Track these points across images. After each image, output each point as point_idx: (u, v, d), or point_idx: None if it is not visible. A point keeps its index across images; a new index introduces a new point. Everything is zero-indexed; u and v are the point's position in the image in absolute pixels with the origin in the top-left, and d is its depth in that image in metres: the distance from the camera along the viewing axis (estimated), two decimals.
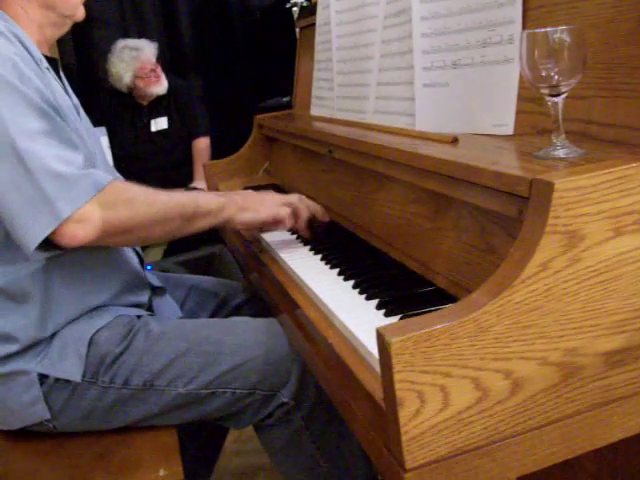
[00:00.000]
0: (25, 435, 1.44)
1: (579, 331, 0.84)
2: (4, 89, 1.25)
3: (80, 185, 1.26)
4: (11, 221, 1.27)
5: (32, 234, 1.25)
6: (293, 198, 1.53)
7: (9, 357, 1.38)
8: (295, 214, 1.51)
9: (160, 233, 1.41)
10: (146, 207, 1.34)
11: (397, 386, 0.77)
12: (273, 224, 1.51)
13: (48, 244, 1.27)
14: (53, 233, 1.25)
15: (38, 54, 1.41)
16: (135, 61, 3.53)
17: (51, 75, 1.43)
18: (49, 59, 1.48)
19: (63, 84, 1.53)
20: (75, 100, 1.57)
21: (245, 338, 1.43)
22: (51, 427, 1.42)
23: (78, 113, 1.53)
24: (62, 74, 1.58)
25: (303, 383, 1.41)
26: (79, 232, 1.27)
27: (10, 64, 1.27)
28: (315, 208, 1.55)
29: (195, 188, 1.81)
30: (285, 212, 1.48)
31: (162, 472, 1.33)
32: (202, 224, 1.42)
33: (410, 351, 0.77)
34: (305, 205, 1.53)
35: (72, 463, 1.38)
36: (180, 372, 1.39)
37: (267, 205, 1.48)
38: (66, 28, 1.53)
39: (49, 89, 1.35)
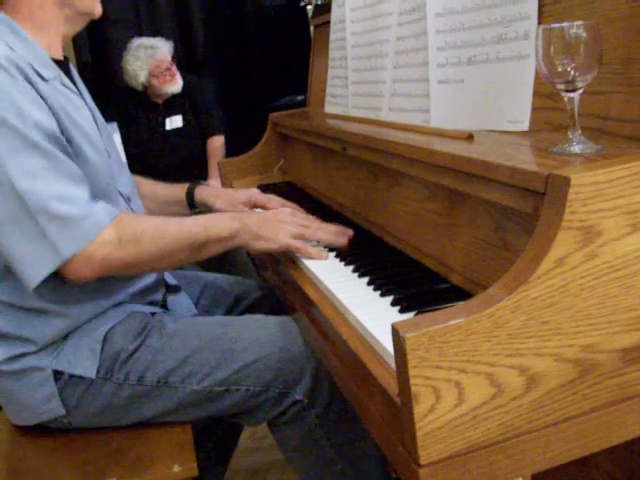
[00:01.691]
0: (40, 430, 1.45)
1: (595, 327, 0.84)
2: (1, 129, 1.23)
3: (83, 226, 1.26)
4: (13, 260, 1.28)
5: (33, 273, 1.26)
6: (308, 231, 1.46)
7: (24, 355, 1.39)
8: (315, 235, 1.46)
9: (169, 264, 1.42)
10: (153, 243, 1.34)
11: (412, 381, 0.77)
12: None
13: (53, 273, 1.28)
14: (57, 270, 1.27)
15: (46, 60, 1.38)
16: (150, 59, 3.54)
17: (59, 83, 1.40)
18: (60, 62, 1.46)
19: (76, 85, 1.51)
20: (90, 101, 1.56)
21: (259, 336, 1.43)
22: (66, 423, 1.43)
23: (93, 116, 1.51)
24: (75, 74, 1.56)
25: (317, 381, 1.41)
26: (83, 270, 1.28)
27: (7, 100, 1.25)
28: (332, 236, 1.47)
29: (201, 184, 1.79)
30: (299, 245, 1.43)
31: (176, 468, 1.34)
32: (213, 251, 1.41)
33: (425, 346, 0.77)
34: (322, 232, 1.47)
35: (87, 458, 1.39)
36: (194, 369, 1.39)
37: (282, 234, 1.42)
38: (83, 25, 1.51)
39: (54, 109, 1.32)
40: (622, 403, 0.87)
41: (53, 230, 1.24)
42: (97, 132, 1.48)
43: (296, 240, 1.43)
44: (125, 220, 1.35)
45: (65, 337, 1.40)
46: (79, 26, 1.51)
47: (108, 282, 1.43)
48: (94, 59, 4.03)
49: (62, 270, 1.28)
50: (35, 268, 1.26)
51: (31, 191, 1.24)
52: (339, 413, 1.44)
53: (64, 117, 1.34)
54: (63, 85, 1.42)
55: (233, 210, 1.72)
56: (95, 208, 1.30)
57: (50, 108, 1.31)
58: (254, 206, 1.75)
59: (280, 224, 1.44)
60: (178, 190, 1.79)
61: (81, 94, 1.51)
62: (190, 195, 1.77)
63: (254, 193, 1.81)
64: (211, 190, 1.80)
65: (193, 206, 1.79)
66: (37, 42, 1.39)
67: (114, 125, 1.58)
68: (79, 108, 1.44)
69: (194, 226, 1.40)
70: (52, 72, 1.39)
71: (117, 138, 1.67)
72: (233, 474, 2.22)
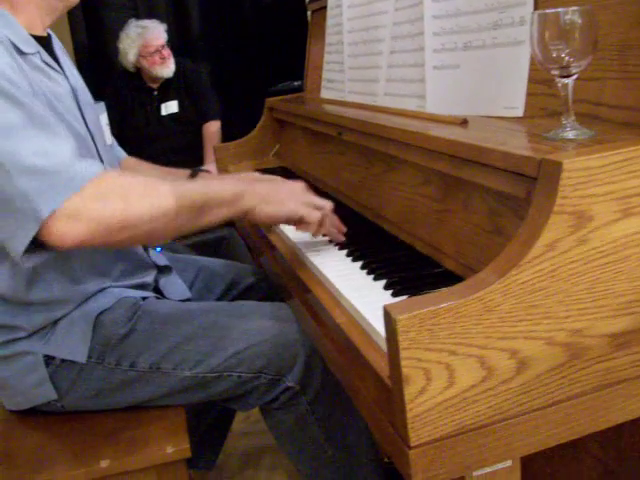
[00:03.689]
0: (34, 413, 1.46)
1: (585, 312, 0.84)
2: None
3: (62, 178, 1.14)
4: None
5: (17, 238, 1.15)
6: (324, 203, 1.37)
7: (15, 340, 1.39)
8: (322, 221, 1.37)
9: (166, 228, 1.25)
10: (144, 199, 1.19)
11: (403, 363, 0.78)
12: (297, 222, 1.36)
13: (42, 246, 1.17)
14: (41, 233, 1.13)
15: (25, 37, 1.35)
16: (139, 38, 3.51)
17: (39, 59, 1.37)
18: (42, 38, 1.42)
19: (58, 61, 1.47)
20: (74, 80, 1.50)
21: (252, 323, 1.43)
22: (59, 406, 1.44)
23: (75, 93, 1.47)
24: (59, 51, 1.52)
25: (309, 368, 1.42)
26: (68, 229, 1.13)
27: None
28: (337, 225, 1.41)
29: (201, 170, 1.77)
30: (314, 215, 1.34)
31: (169, 449, 1.34)
32: (216, 216, 1.27)
33: (416, 328, 0.77)
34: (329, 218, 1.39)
35: (81, 440, 1.40)
36: (187, 355, 1.40)
37: (295, 200, 1.33)
38: (60, 9, 1.45)
39: (29, 81, 1.26)
40: (610, 388, 0.88)
41: (29, 186, 1.12)
42: (77, 110, 1.45)
43: (308, 208, 1.34)
44: (112, 174, 1.22)
45: (56, 322, 1.40)
46: (57, 10, 1.45)
47: (91, 264, 1.42)
48: (91, 42, 4.02)
49: (44, 232, 1.13)
50: (18, 233, 1.14)
51: (7, 148, 1.13)
52: (331, 400, 1.45)
53: (37, 90, 1.28)
54: (43, 61, 1.39)
55: None
56: (78, 162, 1.17)
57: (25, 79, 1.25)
58: None
59: (294, 194, 1.35)
60: (180, 177, 1.75)
61: (63, 71, 1.47)
62: None
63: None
64: (215, 178, 1.76)
65: None
66: (16, 20, 1.35)
67: (102, 104, 1.55)
68: (57, 84, 1.40)
69: (191, 185, 1.29)
70: (31, 48, 1.35)
71: (104, 119, 1.63)
72: (226, 457, 2.23)
